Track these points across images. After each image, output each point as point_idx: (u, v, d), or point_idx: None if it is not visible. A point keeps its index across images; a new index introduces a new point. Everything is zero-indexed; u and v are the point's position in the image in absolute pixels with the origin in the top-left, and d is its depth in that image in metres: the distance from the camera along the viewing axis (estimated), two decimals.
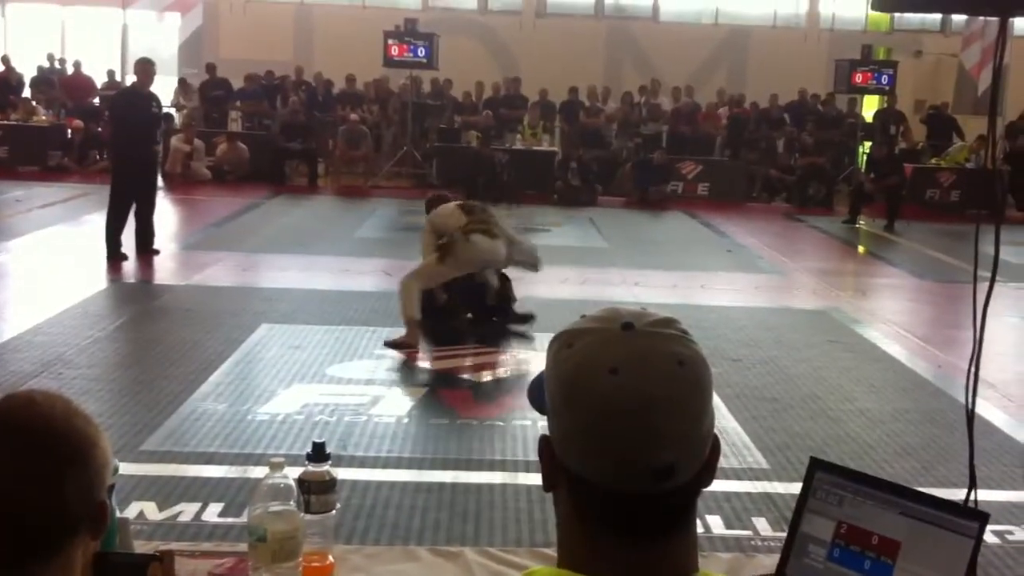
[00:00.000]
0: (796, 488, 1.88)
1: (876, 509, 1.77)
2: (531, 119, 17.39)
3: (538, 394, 1.12)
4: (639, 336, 1.05)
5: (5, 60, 19.13)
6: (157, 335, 6.84)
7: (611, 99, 18.65)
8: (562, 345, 1.07)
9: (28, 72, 19.08)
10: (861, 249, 13.16)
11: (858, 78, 17.32)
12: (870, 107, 19.13)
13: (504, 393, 5.94)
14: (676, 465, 1.02)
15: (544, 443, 1.09)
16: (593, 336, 1.06)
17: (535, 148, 16.91)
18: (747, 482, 4.56)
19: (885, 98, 18.31)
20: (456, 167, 15.71)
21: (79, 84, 18.71)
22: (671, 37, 21.18)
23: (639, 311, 1.08)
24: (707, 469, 1.07)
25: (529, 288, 8.77)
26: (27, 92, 18.50)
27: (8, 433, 1.31)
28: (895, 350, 7.36)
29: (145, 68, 9.98)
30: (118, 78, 18.79)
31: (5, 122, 16.88)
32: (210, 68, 18.15)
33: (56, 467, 1.32)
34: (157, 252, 9.72)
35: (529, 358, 6.66)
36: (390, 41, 16.74)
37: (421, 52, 16.74)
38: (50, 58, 19.47)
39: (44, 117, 17.35)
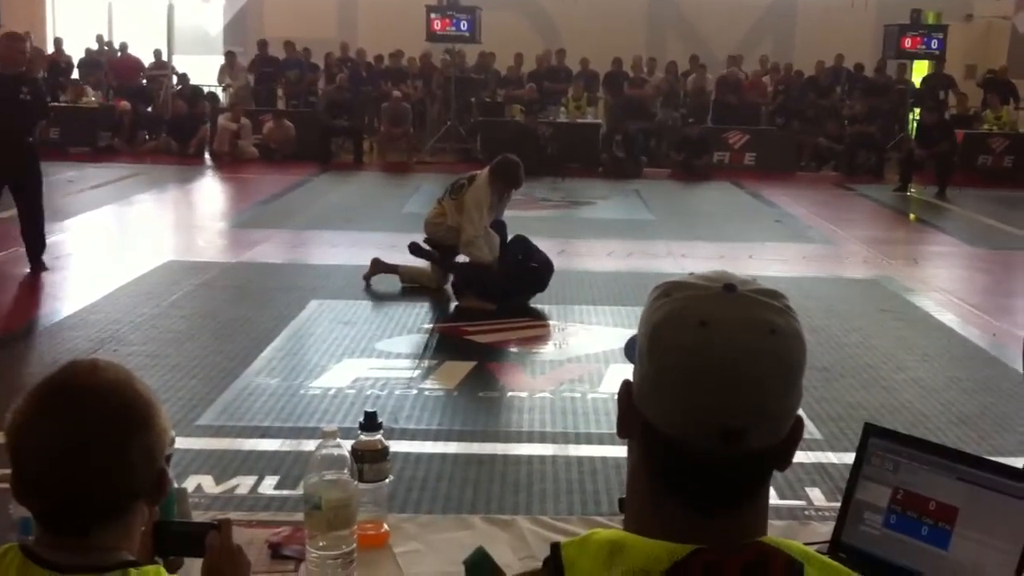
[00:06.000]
0: (850, 458, 1.87)
1: (933, 475, 1.76)
2: (575, 91, 17.29)
3: (632, 344, 1.12)
4: (738, 298, 1.04)
5: (56, 43, 19.37)
6: (209, 312, 6.93)
7: (656, 69, 18.49)
8: (661, 294, 1.07)
9: (77, 54, 19.30)
10: (912, 217, 12.96)
11: (907, 43, 17.01)
12: (920, 73, 18.78)
13: (554, 366, 5.94)
14: (747, 432, 1.01)
15: (625, 387, 1.09)
16: (693, 290, 1.05)
17: (579, 121, 16.82)
18: (800, 452, 4.48)
19: (933, 63, 18.00)
20: (500, 141, 15.67)
21: (127, 65, 18.91)
22: (715, 5, 20.92)
23: (748, 278, 1.07)
24: (783, 449, 1.06)
25: (575, 261, 8.77)
26: (75, 74, 18.72)
27: (75, 397, 1.34)
28: (948, 318, 7.26)
29: (9, 44, 7.78)
30: (164, 58, 18.96)
31: (56, 104, 17.09)
32: (261, 45, 18.24)
33: (122, 431, 1.35)
34: (45, 268, 7.90)
35: (577, 331, 6.67)
36: (432, 15, 16.72)
37: (463, 26, 16.70)
38: (99, 40, 19.68)
39: (93, 99, 17.55)
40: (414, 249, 7.55)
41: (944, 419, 5.12)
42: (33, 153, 7.86)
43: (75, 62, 19.09)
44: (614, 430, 1.11)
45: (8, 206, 7.95)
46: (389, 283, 7.52)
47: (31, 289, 7.28)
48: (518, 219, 8.48)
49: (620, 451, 1.11)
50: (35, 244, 7.86)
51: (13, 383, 5.13)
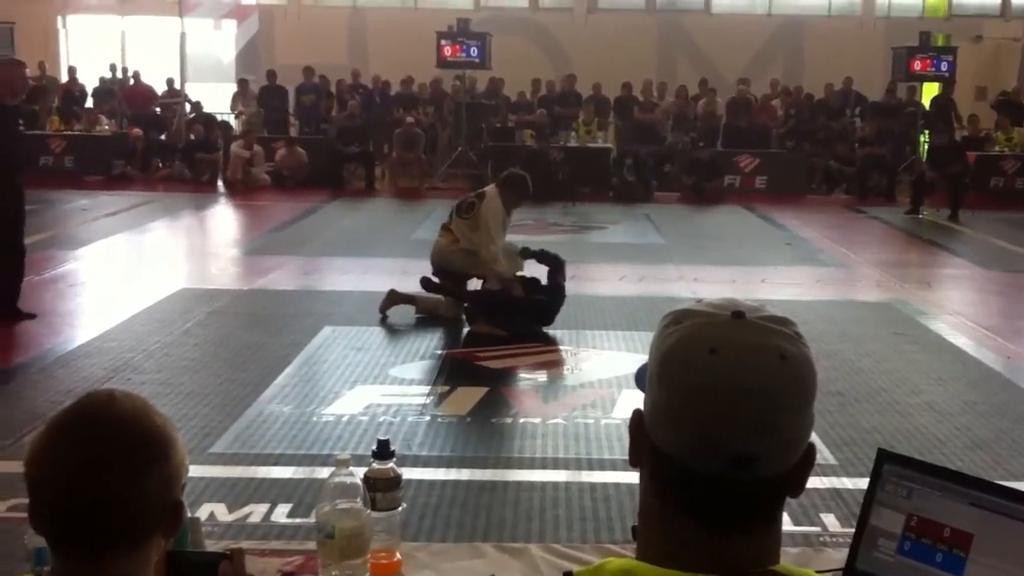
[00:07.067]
0: (865, 484, 1.86)
1: (947, 501, 1.75)
2: (586, 116, 17.35)
3: (642, 372, 1.12)
4: (747, 325, 1.05)
5: (70, 72, 19.54)
6: (223, 339, 6.95)
7: (666, 93, 18.54)
8: (670, 322, 1.08)
9: (90, 82, 19.45)
10: (925, 239, 12.92)
11: (917, 65, 17.00)
12: (931, 95, 18.78)
13: (566, 391, 5.94)
14: (758, 458, 1.01)
15: (636, 416, 1.10)
16: (702, 318, 1.06)
17: (590, 145, 16.87)
18: (814, 478, 4.44)
19: (941, 85, 18.00)
20: (511, 166, 15.70)
21: (139, 93, 19.06)
22: (724, 29, 21.02)
23: (757, 305, 1.08)
24: (796, 475, 1.06)
25: (587, 286, 8.77)
26: (90, 102, 18.87)
27: (93, 428, 1.35)
28: (962, 342, 7.23)
29: (9, 71, 7.08)
30: (177, 86, 19.11)
31: (70, 133, 17.26)
32: (271, 75, 18.34)
33: (140, 462, 1.35)
34: (32, 316, 7.19)
35: (589, 356, 6.66)
36: (443, 42, 16.80)
37: (474, 52, 16.78)
38: (112, 68, 19.84)
39: (107, 127, 17.69)
40: (426, 284, 7.54)
41: (959, 444, 5.09)
42: (22, 194, 7.17)
43: (88, 91, 19.25)
44: (627, 457, 1.12)
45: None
46: (402, 311, 7.53)
47: (46, 318, 7.30)
48: (530, 244, 8.47)
49: (633, 477, 1.12)
50: (9, 289, 7.12)
51: (30, 412, 5.16)
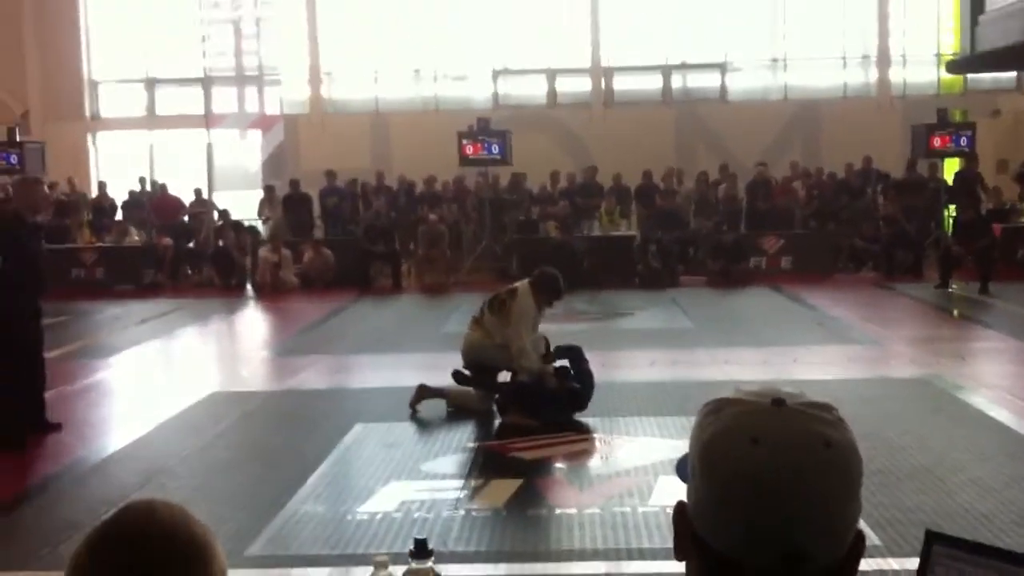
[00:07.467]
0: (912, 564, 1.83)
1: None
2: (608, 205, 17.48)
3: (683, 463, 1.10)
4: (788, 412, 1.03)
5: (100, 187, 19.95)
6: (255, 441, 6.94)
7: (686, 178, 18.67)
8: (709, 412, 1.06)
9: (120, 195, 19.80)
10: (956, 314, 12.80)
11: (936, 142, 17.07)
12: (951, 170, 18.80)
13: (601, 480, 5.86)
14: (808, 550, 0.99)
15: (680, 509, 1.07)
16: (741, 407, 1.05)
17: (613, 234, 16.96)
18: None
19: (963, 160, 18.02)
20: (536, 258, 15.79)
21: (168, 204, 19.40)
22: (741, 116, 21.20)
23: (796, 392, 1.07)
24: (846, 566, 1.03)
25: (617, 372, 8.73)
26: (119, 214, 19.21)
27: (133, 542, 1.33)
28: (1002, 415, 7.11)
29: (28, 189, 6.97)
30: (204, 195, 19.43)
31: (101, 244, 17.56)
32: (293, 184, 18.63)
33: (182, 574, 1.33)
34: (58, 427, 7.12)
35: (623, 443, 6.60)
36: (464, 141, 17.08)
37: (495, 149, 17.04)
38: (141, 181, 20.23)
39: (136, 238, 17.98)
40: (457, 377, 7.56)
41: (1006, 519, 4.98)
42: (40, 311, 7.09)
43: (118, 203, 19.62)
44: (667, 545, 1.11)
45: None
46: (433, 405, 7.51)
47: (78, 427, 7.33)
48: (558, 333, 8.47)
49: (674, 567, 1.09)
50: (36, 405, 7.06)
51: (66, 521, 5.14)
